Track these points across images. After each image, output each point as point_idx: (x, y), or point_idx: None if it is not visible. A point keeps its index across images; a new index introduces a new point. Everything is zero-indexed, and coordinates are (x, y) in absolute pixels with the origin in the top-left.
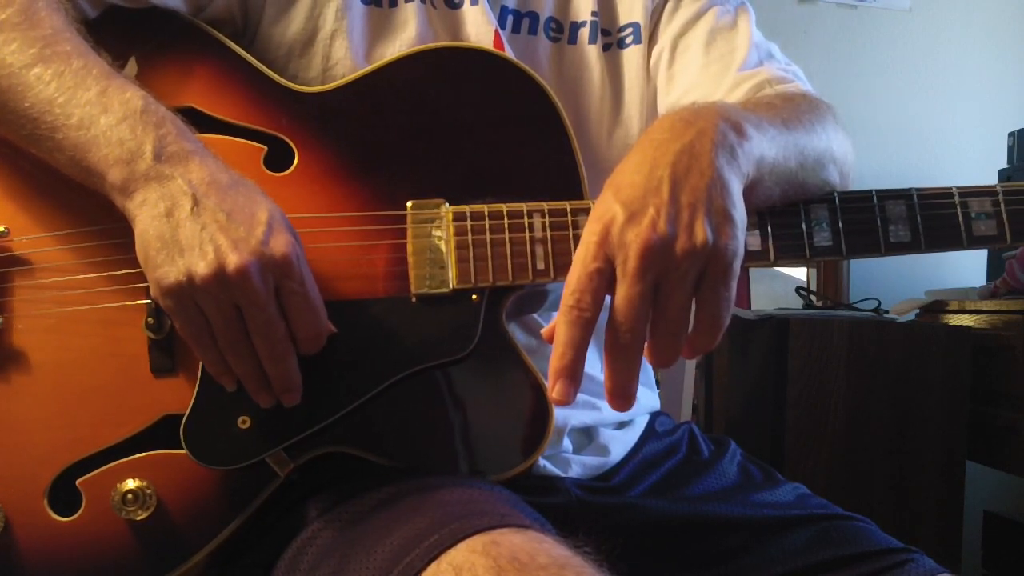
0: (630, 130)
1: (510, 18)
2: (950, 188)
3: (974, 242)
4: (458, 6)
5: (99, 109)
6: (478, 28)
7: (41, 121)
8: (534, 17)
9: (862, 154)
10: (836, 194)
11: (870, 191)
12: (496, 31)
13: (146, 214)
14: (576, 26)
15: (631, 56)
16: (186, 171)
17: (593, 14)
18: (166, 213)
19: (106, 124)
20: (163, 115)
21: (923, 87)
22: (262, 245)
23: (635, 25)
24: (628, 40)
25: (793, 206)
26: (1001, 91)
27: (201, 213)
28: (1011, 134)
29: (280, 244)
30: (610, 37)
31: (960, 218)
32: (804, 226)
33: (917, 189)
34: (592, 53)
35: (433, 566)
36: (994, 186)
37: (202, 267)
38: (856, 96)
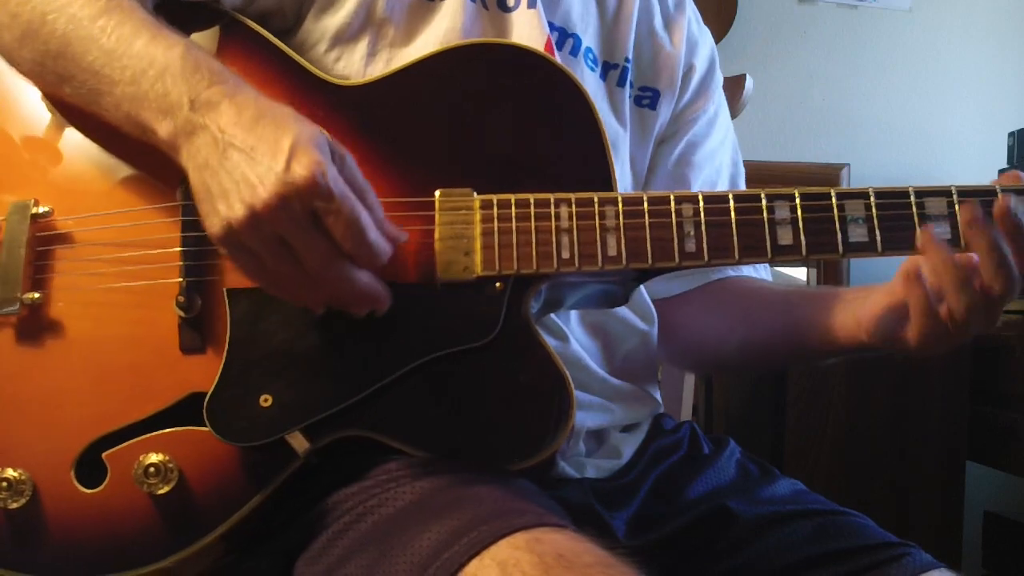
0: (623, 171)
1: (556, 34)
2: (993, 185)
3: None
4: (510, 9)
5: (146, 62)
6: (530, 32)
7: (102, 75)
8: (577, 40)
9: (862, 154)
10: (872, 190)
11: (907, 188)
12: (549, 38)
13: (191, 167)
14: (608, 66)
15: (641, 114)
16: (216, 117)
17: (626, 60)
18: (203, 165)
19: (152, 78)
20: (198, 61)
21: (923, 87)
22: (284, 175)
23: (654, 92)
24: (644, 101)
25: (827, 201)
26: (1001, 91)
27: (228, 159)
28: (1011, 134)
29: (300, 167)
30: (632, 90)
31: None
32: (838, 222)
33: (956, 187)
34: (616, 94)
35: (475, 561)
36: None
37: (237, 211)
38: (856, 96)
